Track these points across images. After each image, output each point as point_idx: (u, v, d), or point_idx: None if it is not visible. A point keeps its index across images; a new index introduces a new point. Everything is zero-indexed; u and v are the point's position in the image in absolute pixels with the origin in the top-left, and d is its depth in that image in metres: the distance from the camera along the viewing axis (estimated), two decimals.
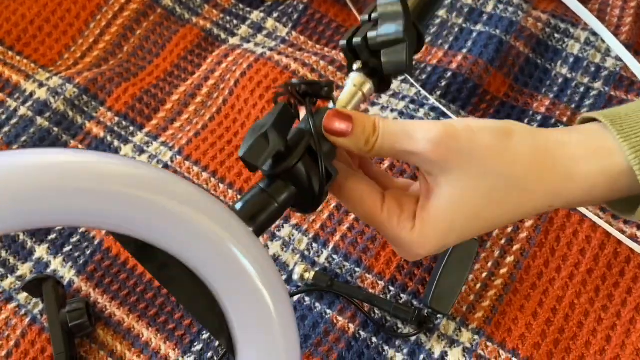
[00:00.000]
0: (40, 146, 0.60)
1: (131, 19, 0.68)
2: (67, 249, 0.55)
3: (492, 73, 0.62)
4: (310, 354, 0.49)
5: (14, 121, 0.62)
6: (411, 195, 0.37)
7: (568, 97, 0.61)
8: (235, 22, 0.69)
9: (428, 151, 0.33)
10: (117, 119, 0.62)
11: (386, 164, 0.57)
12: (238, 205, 0.34)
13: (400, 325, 0.50)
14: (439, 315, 0.50)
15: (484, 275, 0.52)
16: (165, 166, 0.59)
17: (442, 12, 0.67)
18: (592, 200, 0.36)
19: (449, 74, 0.62)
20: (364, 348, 0.49)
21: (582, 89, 0.62)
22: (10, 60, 0.65)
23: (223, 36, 0.68)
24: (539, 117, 0.60)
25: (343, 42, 0.39)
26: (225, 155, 0.59)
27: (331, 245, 0.54)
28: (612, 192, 0.35)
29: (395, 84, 0.62)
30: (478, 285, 0.51)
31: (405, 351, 0.49)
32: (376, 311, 0.51)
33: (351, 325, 0.50)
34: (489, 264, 0.52)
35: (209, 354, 0.50)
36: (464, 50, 0.63)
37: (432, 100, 0.60)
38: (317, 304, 0.51)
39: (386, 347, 0.49)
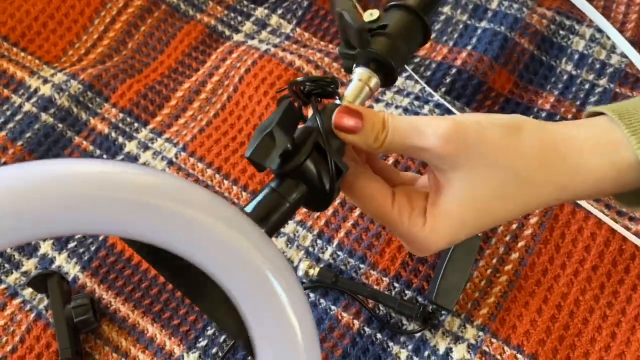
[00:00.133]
0: (44, 142, 0.60)
1: (135, 15, 0.68)
2: (71, 245, 0.55)
3: (496, 70, 0.62)
4: None
5: (18, 117, 0.62)
6: (420, 191, 0.37)
7: (573, 94, 0.61)
8: (239, 18, 0.69)
9: (438, 147, 0.34)
10: (121, 115, 0.62)
11: (390, 160, 0.57)
12: (250, 207, 0.34)
13: (404, 322, 0.50)
14: (443, 312, 0.50)
15: (488, 271, 0.52)
16: (170, 162, 0.59)
17: (446, 9, 0.66)
18: (600, 193, 0.36)
19: (454, 70, 0.62)
20: (368, 344, 0.49)
21: (587, 86, 0.61)
22: (14, 57, 0.65)
23: (227, 33, 0.68)
24: (543, 114, 0.60)
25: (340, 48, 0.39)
26: (229, 152, 0.59)
27: (336, 242, 0.54)
28: (620, 185, 0.35)
29: (399, 80, 0.62)
30: (483, 282, 0.51)
31: (410, 347, 0.49)
32: (381, 307, 0.51)
33: (356, 322, 0.50)
34: (494, 261, 0.52)
35: (214, 350, 0.50)
36: (469, 47, 0.63)
37: (436, 96, 0.60)
38: (321, 300, 0.51)
39: (391, 343, 0.49)
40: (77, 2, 0.68)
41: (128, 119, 0.61)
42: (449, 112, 0.59)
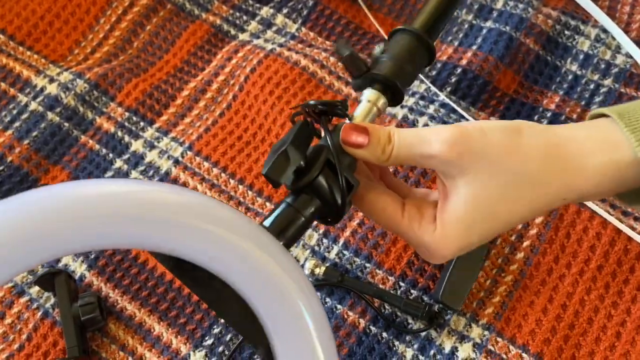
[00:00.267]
0: (50, 141, 0.60)
1: (141, 14, 0.69)
2: None
3: (502, 70, 0.62)
4: None
5: (24, 116, 0.62)
6: (430, 201, 0.39)
7: (578, 94, 0.61)
8: (244, 18, 0.69)
9: (443, 152, 0.35)
10: (127, 114, 0.62)
11: (390, 170, 0.57)
12: (268, 221, 0.36)
13: (410, 321, 0.50)
14: (449, 311, 0.50)
15: (494, 271, 0.52)
16: (176, 161, 0.59)
17: None
18: (602, 193, 0.36)
19: (459, 70, 0.62)
20: (374, 343, 0.50)
21: (592, 86, 0.62)
22: (20, 56, 0.65)
23: (233, 32, 0.68)
24: (548, 114, 0.60)
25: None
26: (235, 151, 0.59)
27: (341, 241, 0.54)
28: (621, 184, 0.35)
29: None
30: (488, 282, 0.51)
31: (415, 346, 0.49)
32: (386, 307, 0.51)
33: (361, 321, 0.50)
34: (499, 260, 0.52)
35: (220, 349, 0.50)
36: (474, 47, 0.63)
37: (442, 96, 0.60)
38: (327, 299, 0.51)
39: (396, 343, 0.49)
40: (83, 1, 0.68)
41: (134, 118, 0.62)
42: (454, 111, 0.59)
